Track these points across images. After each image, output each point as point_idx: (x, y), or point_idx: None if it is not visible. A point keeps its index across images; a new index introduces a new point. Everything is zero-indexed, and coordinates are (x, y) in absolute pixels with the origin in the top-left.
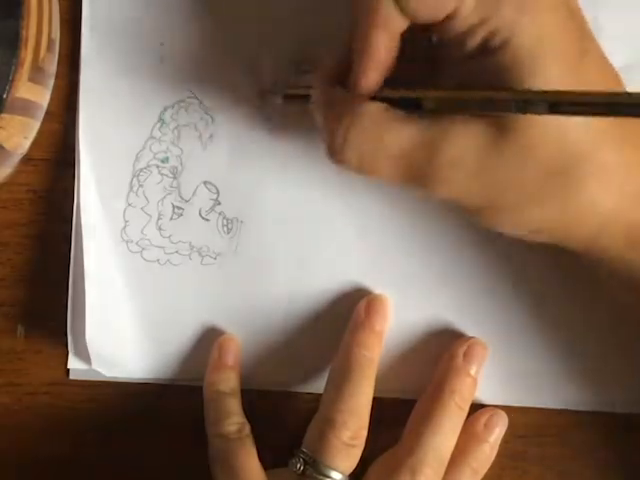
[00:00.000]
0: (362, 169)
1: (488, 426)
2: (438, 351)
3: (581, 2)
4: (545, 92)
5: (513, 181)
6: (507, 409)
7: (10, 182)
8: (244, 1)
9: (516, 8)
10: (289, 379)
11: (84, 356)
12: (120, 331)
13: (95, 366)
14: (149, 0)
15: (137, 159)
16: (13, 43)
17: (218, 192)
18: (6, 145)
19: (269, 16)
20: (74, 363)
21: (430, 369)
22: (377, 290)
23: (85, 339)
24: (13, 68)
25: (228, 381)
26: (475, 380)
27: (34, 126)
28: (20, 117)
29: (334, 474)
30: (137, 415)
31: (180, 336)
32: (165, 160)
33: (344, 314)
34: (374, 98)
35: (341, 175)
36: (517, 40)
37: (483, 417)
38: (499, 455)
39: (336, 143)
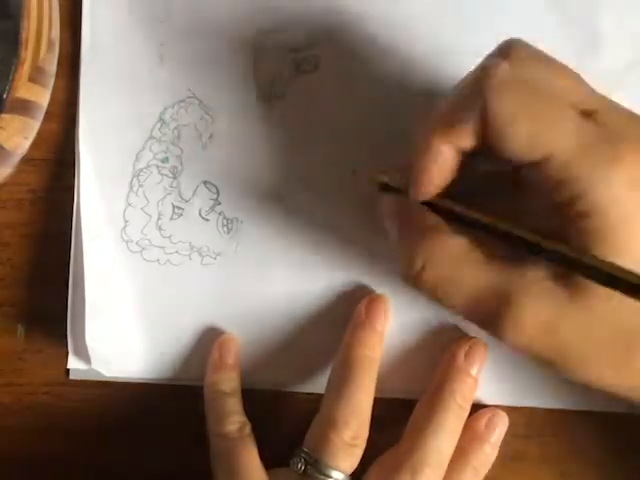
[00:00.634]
0: (435, 297)
1: (489, 426)
2: (438, 351)
3: (581, 2)
4: (629, 272)
5: (581, 340)
6: (507, 409)
7: (10, 182)
8: (244, 1)
9: (603, 175)
10: (289, 379)
11: (84, 356)
12: (120, 331)
13: (95, 366)
14: (149, 0)
15: (137, 159)
16: (13, 43)
17: (218, 192)
18: (6, 145)
19: (269, 16)
20: (74, 363)
21: (431, 369)
22: (378, 290)
23: (85, 339)
24: (13, 68)
25: (229, 381)
26: (476, 380)
27: (34, 126)
28: (20, 117)
29: (335, 474)
30: (137, 415)
31: (180, 336)
32: (165, 160)
33: (344, 314)
34: (439, 210)
35: (341, 176)
36: (603, 213)
37: (484, 417)
38: (499, 455)
39: (414, 267)
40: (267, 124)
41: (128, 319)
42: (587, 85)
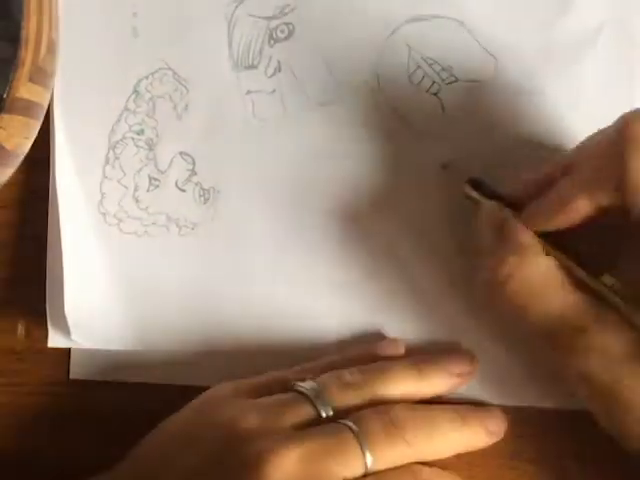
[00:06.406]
0: (513, 307)
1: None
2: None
3: None
4: None
5: None
6: (507, 409)
7: (10, 182)
8: None
9: None
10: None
11: (63, 327)
12: (99, 303)
13: (75, 337)
14: None
15: (113, 131)
16: (13, 43)
17: (194, 162)
18: (6, 145)
19: None
20: (54, 339)
21: None
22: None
23: (64, 311)
24: (13, 68)
25: None
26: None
27: (34, 126)
28: (20, 117)
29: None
30: (137, 415)
31: (159, 306)
32: (140, 132)
33: (323, 279)
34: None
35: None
36: None
37: None
38: (499, 455)
39: (500, 274)
40: (242, 95)
41: (107, 291)
42: None
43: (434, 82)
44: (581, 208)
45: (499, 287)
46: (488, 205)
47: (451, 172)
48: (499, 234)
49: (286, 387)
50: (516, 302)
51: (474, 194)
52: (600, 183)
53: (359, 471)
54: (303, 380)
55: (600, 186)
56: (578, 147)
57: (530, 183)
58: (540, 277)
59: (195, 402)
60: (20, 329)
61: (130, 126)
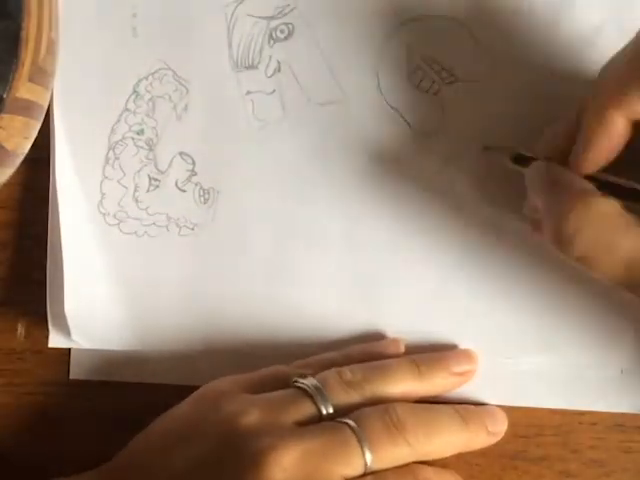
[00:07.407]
0: (585, 261)
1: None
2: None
3: None
4: None
5: None
6: (507, 409)
7: (10, 182)
8: None
9: None
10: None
11: (63, 328)
12: (99, 303)
13: (74, 337)
14: None
15: (112, 131)
16: (13, 43)
17: (194, 163)
18: (6, 145)
19: None
20: (54, 339)
21: None
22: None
23: (64, 311)
24: (13, 68)
25: None
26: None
27: (34, 126)
28: (20, 117)
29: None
30: (137, 415)
31: (159, 306)
32: (140, 132)
33: (322, 278)
34: (595, 180)
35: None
36: None
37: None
38: (499, 455)
39: (566, 231)
40: (241, 93)
41: (107, 291)
42: None
43: (434, 82)
44: (617, 122)
45: (567, 246)
46: (536, 165)
47: (489, 154)
48: (554, 191)
49: (286, 383)
50: (587, 255)
51: (517, 167)
52: (627, 89)
53: (359, 470)
54: (304, 376)
55: (628, 91)
56: (600, 72)
57: (562, 135)
58: (607, 222)
59: (194, 396)
60: (20, 329)
61: (130, 126)
